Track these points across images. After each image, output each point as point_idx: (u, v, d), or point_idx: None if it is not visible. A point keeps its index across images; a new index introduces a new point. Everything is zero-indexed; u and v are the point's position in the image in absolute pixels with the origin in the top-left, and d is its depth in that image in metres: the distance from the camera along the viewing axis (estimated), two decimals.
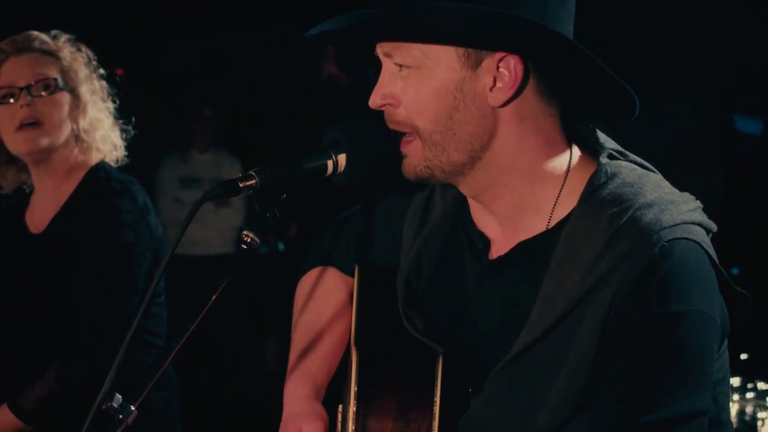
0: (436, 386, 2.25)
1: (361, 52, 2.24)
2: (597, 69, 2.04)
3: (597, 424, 2.02)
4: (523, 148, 2.13)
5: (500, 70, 2.07)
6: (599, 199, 2.08)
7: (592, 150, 2.21)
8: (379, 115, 2.19)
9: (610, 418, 2.00)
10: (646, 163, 2.22)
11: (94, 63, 3.68)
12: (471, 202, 2.31)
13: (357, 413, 2.27)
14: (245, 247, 2.08)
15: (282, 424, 2.44)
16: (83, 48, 3.66)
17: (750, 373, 4.41)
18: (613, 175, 2.12)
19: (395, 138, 2.18)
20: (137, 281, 3.44)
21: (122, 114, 3.75)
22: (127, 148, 3.74)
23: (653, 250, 1.99)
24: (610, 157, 2.19)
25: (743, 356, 4.75)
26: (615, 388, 2.00)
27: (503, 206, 2.20)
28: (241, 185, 2.06)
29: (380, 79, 2.17)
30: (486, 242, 2.27)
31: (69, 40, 3.63)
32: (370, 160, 2.20)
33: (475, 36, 2.04)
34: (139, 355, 3.51)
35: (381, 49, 2.15)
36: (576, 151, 2.20)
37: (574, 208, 2.12)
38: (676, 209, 2.06)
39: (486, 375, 2.19)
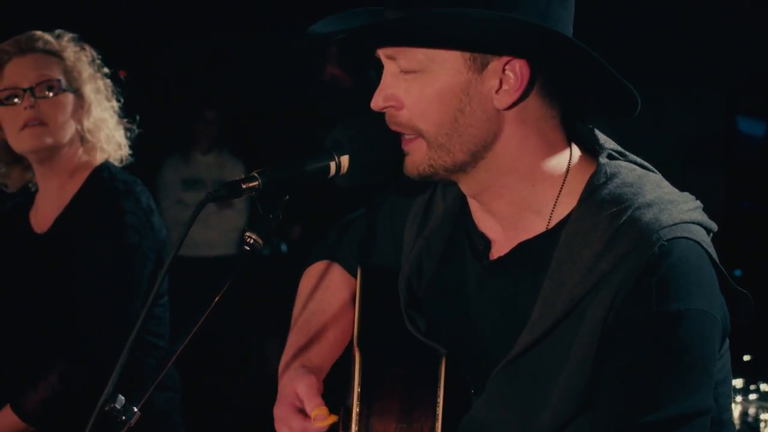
0: (439, 387, 2.25)
1: (364, 52, 2.24)
2: (600, 68, 2.05)
3: (598, 424, 2.02)
4: (524, 149, 2.14)
5: (506, 72, 2.07)
6: (599, 199, 2.09)
7: (591, 150, 2.21)
8: (381, 116, 2.19)
9: (612, 417, 2.00)
10: (645, 163, 2.23)
11: (98, 62, 3.67)
12: (472, 203, 2.32)
13: (360, 414, 2.27)
14: (248, 248, 2.08)
15: (278, 393, 2.43)
16: (87, 47, 3.66)
17: (753, 375, 4.41)
18: (613, 175, 2.12)
19: (397, 139, 2.18)
20: (141, 282, 3.44)
21: (126, 113, 3.74)
22: (131, 146, 3.74)
23: (653, 250, 1.99)
24: (610, 157, 2.19)
25: (746, 358, 4.74)
26: (616, 388, 2.00)
27: (503, 206, 2.20)
28: (243, 186, 2.06)
29: (382, 80, 2.17)
30: (487, 243, 2.28)
31: (72, 39, 3.63)
32: (372, 162, 2.20)
33: (481, 41, 2.04)
34: (142, 356, 3.51)
35: (384, 51, 2.14)
36: (576, 151, 2.20)
37: (573, 208, 2.12)
38: (675, 209, 2.06)
39: (487, 375, 2.19)
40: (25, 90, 3.47)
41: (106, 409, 1.91)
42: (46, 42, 3.55)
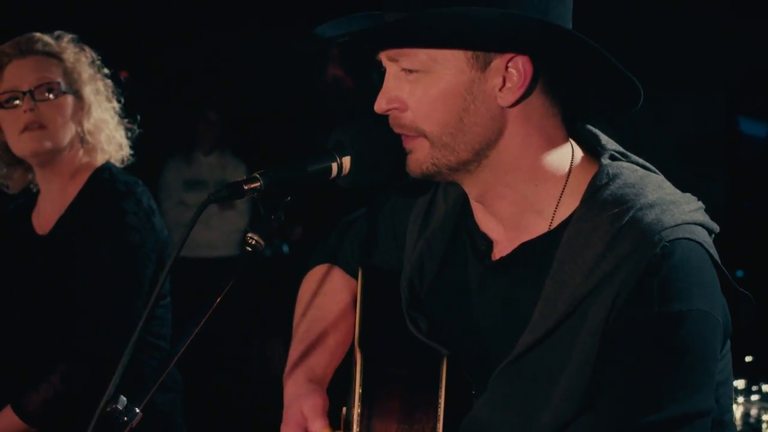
0: (441, 387, 2.25)
1: (366, 55, 2.24)
2: (602, 60, 2.05)
3: (600, 424, 2.02)
4: (527, 147, 2.14)
5: (509, 70, 2.07)
6: (601, 200, 2.09)
7: (593, 151, 2.22)
8: (383, 117, 2.19)
9: (613, 418, 2.00)
10: (647, 164, 2.23)
11: (98, 63, 3.67)
12: (473, 203, 2.32)
13: (361, 415, 2.27)
14: (250, 249, 2.08)
15: (284, 410, 2.44)
16: (86, 48, 3.65)
17: (755, 376, 4.41)
18: (615, 176, 2.12)
19: (399, 140, 2.18)
20: (142, 283, 3.44)
21: (127, 114, 3.74)
22: (132, 146, 3.74)
23: (655, 251, 1.99)
24: (612, 158, 2.19)
25: (748, 359, 4.74)
26: (617, 388, 2.00)
27: (506, 207, 2.20)
28: (245, 187, 2.06)
29: (385, 83, 2.17)
30: (488, 243, 2.28)
31: (72, 40, 3.62)
32: (374, 163, 2.20)
33: (482, 38, 2.04)
34: (144, 357, 3.51)
35: (386, 54, 2.15)
36: (578, 152, 2.20)
37: (576, 208, 2.12)
38: (677, 209, 2.06)
39: (489, 376, 2.19)
40: (24, 93, 3.47)
41: (108, 409, 1.91)
42: (46, 44, 3.55)
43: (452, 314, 2.35)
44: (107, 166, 3.60)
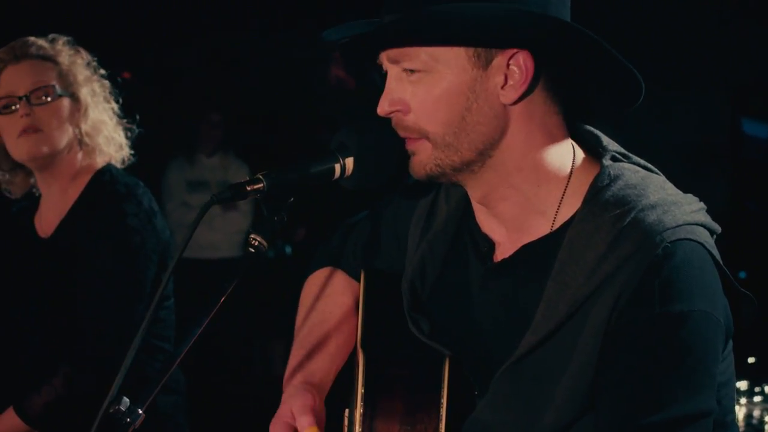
0: (443, 388, 2.25)
1: (368, 58, 2.24)
2: (602, 53, 2.05)
3: (601, 425, 2.02)
4: (530, 146, 2.14)
5: (511, 67, 2.07)
6: (602, 201, 2.09)
7: (595, 152, 2.22)
8: (385, 118, 2.19)
9: (615, 419, 2.00)
10: (649, 165, 2.23)
11: (94, 64, 3.67)
12: (476, 205, 2.32)
13: (364, 415, 2.27)
14: (252, 250, 2.08)
15: (276, 412, 2.44)
16: (81, 50, 3.65)
17: (757, 377, 4.41)
18: (616, 177, 2.12)
19: (402, 142, 2.18)
20: (144, 285, 3.43)
21: (127, 113, 3.74)
22: (133, 148, 3.74)
23: (656, 251, 1.99)
24: (614, 159, 2.19)
25: (750, 360, 4.74)
26: (619, 389, 2.00)
27: (509, 208, 2.20)
28: (248, 189, 2.05)
29: (387, 85, 2.17)
30: (490, 245, 2.28)
31: (67, 42, 3.62)
32: (377, 164, 2.20)
33: (484, 35, 2.04)
34: (148, 359, 3.51)
35: (387, 55, 2.14)
36: (579, 153, 2.20)
37: (577, 210, 2.12)
38: (679, 210, 2.06)
39: (491, 377, 2.19)
40: (21, 98, 3.47)
41: (111, 410, 1.91)
42: (40, 47, 3.55)
43: (454, 316, 2.35)
44: (108, 168, 3.60)
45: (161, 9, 9.41)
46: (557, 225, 2.16)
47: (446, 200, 2.41)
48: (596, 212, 2.08)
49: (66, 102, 3.53)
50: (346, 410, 2.60)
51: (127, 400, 1.92)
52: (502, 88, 2.09)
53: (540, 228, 2.18)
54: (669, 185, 2.16)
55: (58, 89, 3.51)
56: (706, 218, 2.12)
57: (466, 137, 2.10)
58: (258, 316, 8.75)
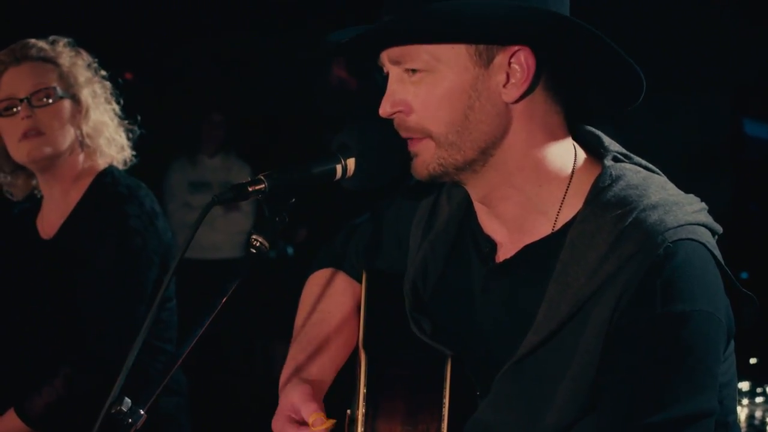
0: (445, 388, 2.26)
1: (370, 59, 2.24)
2: (603, 49, 2.05)
3: (603, 424, 2.02)
4: (531, 145, 2.14)
5: (512, 66, 2.08)
6: (604, 201, 2.09)
7: (596, 153, 2.22)
8: (387, 119, 2.19)
9: (616, 418, 2.00)
10: (650, 166, 2.23)
11: (95, 65, 3.67)
12: (477, 206, 2.32)
13: (366, 415, 2.27)
14: (254, 251, 2.08)
15: (276, 410, 2.44)
16: (82, 51, 3.65)
17: (759, 378, 4.41)
18: (618, 178, 2.12)
19: (403, 142, 2.18)
20: (145, 287, 3.43)
21: (128, 114, 3.74)
22: (134, 149, 3.74)
23: (658, 251, 1.99)
24: (615, 159, 2.20)
25: (752, 361, 4.74)
26: (620, 389, 2.00)
27: (511, 208, 2.20)
28: (250, 189, 2.06)
29: (389, 87, 2.17)
30: (492, 246, 2.28)
31: (67, 44, 3.62)
32: (379, 165, 2.20)
33: (485, 32, 2.04)
34: (150, 360, 3.51)
35: (388, 56, 2.15)
36: (581, 154, 2.21)
37: (579, 210, 2.13)
38: (680, 210, 2.07)
39: (493, 377, 2.20)
40: (22, 100, 3.47)
41: (113, 411, 1.91)
42: (40, 49, 3.55)
43: (456, 317, 2.35)
44: (110, 170, 3.60)
45: (163, 9, 9.41)
46: (559, 225, 2.16)
47: (448, 201, 2.41)
48: (598, 212, 2.08)
49: (67, 104, 3.53)
50: (348, 411, 2.60)
51: (129, 400, 1.93)
52: (504, 86, 2.09)
53: (541, 228, 2.18)
54: (670, 185, 2.17)
55: (59, 91, 3.51)
56: (707, 218, 2.12)
57: (469, 136, 2.10)
58: (259, 316, 8.74)
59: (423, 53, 2.08)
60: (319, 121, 7.65)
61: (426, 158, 2.15)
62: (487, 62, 2.08)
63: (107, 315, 3.36)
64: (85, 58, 3.64)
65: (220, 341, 8.36)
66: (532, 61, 2.08)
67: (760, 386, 4.37)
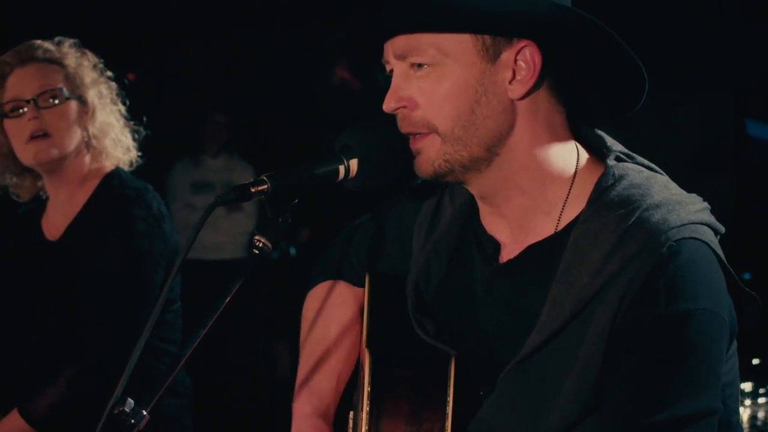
0: (449, 387, 2.26)
1: (372, 56, 2.24)
2: (608, 43, 2.06)
3: (606, 424, 2.02)
4: (535, 144, 2.14)
5: (518, 62, 2.08)
6: (607, 201, 2.09)
7: (599, 153, 2.22)
8: (390, 119, 2.19)
9: (619, 418, 2.00)
10: (653, 165, 2.23)
11: (100, 66, 3.67)
12: (481, 206, 2.32)
13: (370, 414, 2.27)
14: (257, 251, 2.08)
15: None
16: (88, 52, 3.65)
17: (762, 378, 4.41)
18: (621, 177, 2.12)
19: (406, 142, 2.18)
20: (151, 289, 3.43)
21: (132, 115, 3.74)
22: (140, 148, 3.74)
23: (661, 250, 1.99)
24: (618, 159, 2.20)
25: (755, 361, 4.74)
26: (623, 388, 2.00)
27: (514, 208, 2.20)
28: (252, 190, 2.06)
29: (393, 82, 2.17)
30: (496, 246, 2.28)
31: (73, 45, 3.62)
32: (381, 165, 2.20)
33: (493, 22, 2.05)
34: (153, 362, 3.51)
35: (393, 50, 2.15)
36: (583, 154, 2.21)
37: (582, 210, 2.13)
38: (683, 209, 2.07)
39: (496, 377, 2.19)
40: (28, 101, 3.47)
41: (115, 411, 1.92)
42: (46, 50, 3.55)
43: (459, 317, 2.35)
44: (117, 172, 3.60)
45: (165, 10, 9.42)
46: (562, 225, 2.16)
47: (450, 202, 2.41)
48: (601, 212, 2.08)
49: (74, 104, 3.53)
50: (351, 413, 2.60)
51: (132, 401, 1.93)
52: (510, 82, 2.10)
53: (545, 228, 2.19)
54: (673, 185, 2.17)
55: (66, 92, 3.51)
56: (710, 218, 2.12)
57: (476, 131, 2.11)
58: (262, 317, 8.75)
59: (429, 47, 2.09)
60: (322, 122, 7.66)
61: (431, 155, 2.15)
62: (494, 58, 2.08)
63: (112, 316, 3.36)
64: (91, 58, 3.64)
65: (223, 342, 8.35)
66: (538, 58, 2.08)
67: (762, 387, 4.37)
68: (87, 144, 3.56)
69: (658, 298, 1.98)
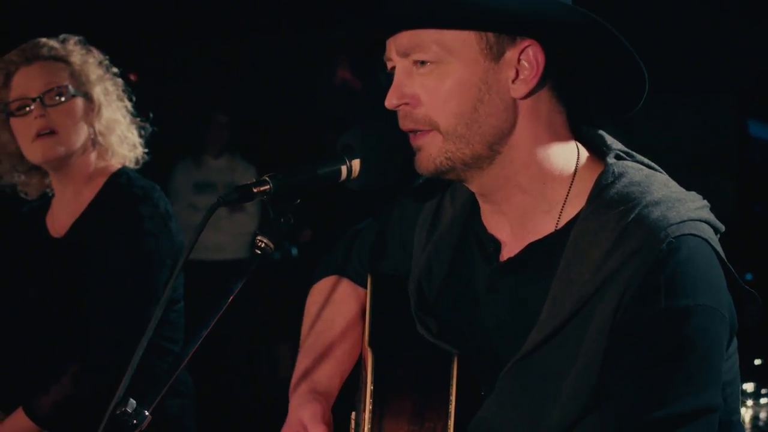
0: (452, 386, 2.25)
1: (374, 56, 2.24)
2: (613, 44, 2.07)
3: (608, 420, 2.03)
4: (536, 143, 2.15)
5: (521, 62, 2.09)
6: (607, 199, 2.10)
7: (599, 151, 2.23)
8: (392, 120, 2.19)
9: (620, 414, 2.00)
10: (652, 164, 2.24)
11: (106, 63, 3.67)
12: (481, 205, 2.32)
13: (373, 412, 2.27)
14: (259, 252, 2.08)
15: (285, 421, 2.44)
16: (93, 49, 3.65)
17: (764, 379, 4.41)
18: (621, 175, 2.13)
19: (408, 143, 2.18)
20: (156, 288, 3.43)
21: (138, 114, 3.74)
22: (146, 145, 3.74)
23: (661, 247, 1.99)
24: (617, 157, 2.20)
25: (757, 362, 4.74)
26: (624, 385, 2.01)
27: (514, 206, 2.21)
28: (255, 190, 2.06)
29: (396, 79, 2.17)
30: (496, 245, 2.28)
31: (78, 42, 3.62)
32: (383, 165, 2.20)
33: (496, 18, 2.05)
34: (157, 361, 3.51)
35: (396, 47, 2.15)
36: (584, 152, 2.22)
37: (582, 208, 2.13)
38: (683, 207, 2.07)
39: (497, 376, 2.20)
40: (34, 99, 3.47)
41: (117, 412, 1.92)
42: (51, 48, 3.55)
43: (461, 316, 2.35)
44: (124, 171, 3.61)
45: (167, 10, 9.42)
46: (562, 223, 2.17)
47: (451, 202, 2.42)
48: (601, 210, 2.09)
49: (80, 102, 3.53)
50: (353, 413, 2.60)
51: (134, 401, 1.93)
52: (513, 82, 2.10)
53: (545, 227, 2.19)
54: (673, 183, 2.17)
55: (72, 89, 3.51)
56: (709, 215, 2.13)
57: (478, 129, 2.11)
58: (264, 317, 8.76)
59: (433, 44, 2.09)
60: (324, 122, 7.66)
61: (432, 152, 2.16)
62: (498, 56, 2.09)
63: (117, 315, 3.36)
64: (96, 55, 3.64)
65: (225, 342, 8.36)
66: (541, 58, 2.09)
67: (765, 387, 4.37)
68: (93, 141, 3.57)
69: (658, 295, 1.98)
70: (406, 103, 2.15)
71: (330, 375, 2.54)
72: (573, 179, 2.17)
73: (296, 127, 8.98)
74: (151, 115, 3.76)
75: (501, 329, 2.25)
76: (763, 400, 4.27)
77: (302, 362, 2.56)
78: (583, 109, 2.24)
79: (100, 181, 3.57)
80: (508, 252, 2.26)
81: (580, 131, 2.25)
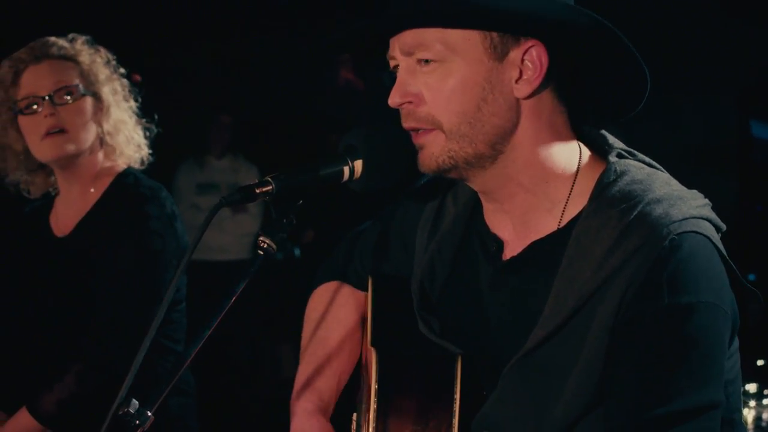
0: (456, 385, 2.26)
1: (377, 56, 2.24)
2: (616, 45, 2.07)
3: (611, 417, 2.03)
4: (538, 142, 2.15)
5: (525, 62, 2.10)
6: (609, 197, 2.10)
7: (600, 150, 2.23)
8: (395, 120, 2.20)
9: (623, 411, 2.01)
10: (654, 163, 2.24)
11: (114, 63, 3.67)
12: (484, 204, 2.33)
13: (378, 411, 2.27)
14: (261, 252, 2.08)
15: None
16: (101, 49, 3.65)
17: (766, 380, 4.41)
18: (622, 173, 2.13)
19: (410, 143, 2.18)
20: (162, 288, 3.42)
21: (144, 114, 3.75)
22: (151, 146, 3.74)
23: (663, 244, 2.00)
24: (619, 156, 2.21)
25: (760, 362, 4.74)
26: (627, 382, 2.01)
27: (517, 205, 2.21)
28: (257, 191, 2.06)
29: (399, 77, 2.17)
30: (499, 244, 2.28)
31: (86, 41, 3.62)
32: (386, 166, 2.21)
33: (501, 17, 2.05)
34: (159, 361, 3.51)
35: (400, 46, 2.15)
36: (585, 151, 2.22)
37: (584, 206, 2.14)
38: (685, 204, 2.07)
39: (500, 375, 2.20)
40: (43, 98, 3.47)
41: (120, 412, 1.92)
42: (61, 47, 3.55)
43: (464, 315, 2.35)
44: (131, 171, 3.61)
45: (169, 10, 9.42)
46: (564, 222, 2.17)
47: (453, 202, 2.42)
48: (603, 208, 2.09)
49: (89, 101, 3.53)
50: (354, 415, 2.60)
51: (136, 402, 1.93)
52: (516, 81, 2.11)
53: (547, 225, 2.19)
54: (674, 181, 2.18)
55: (81, 88, 3.51)
56: (711, 213, 2.13)
57: (482, 128, 2.11)
58: (267, 318, 8.76)
59: (436, 43, 2.09)
60: (326, 123, 7.66)
61: (434, 150, 2.16)
62: (501, 56, 2.09)
63: (122, 314, 3.36)
64: (104, 55, 3.64)
65: (228, 342, 8.36)
66: (545, 59, 2.09)
67: (767, 388, 4.37)
68: (101, 141, 3.57)
69: (661, 292, 1.99)
70: (409, 102, 2.15)
71: (331, 386, 2.55)
72: (575, 178, 2.18)
73: (299, 128, 8.97)
74: (156, 116, 3.76)
75: (504, 327, 2.25)
76: (765, 401, 4.27)
77: (304, 371, 2.57)
78: (585, 109, 2.24)
79: (107, 181, 3.57)
80: (510, 251, 2.26)
81: (582, 131, 2.25)
